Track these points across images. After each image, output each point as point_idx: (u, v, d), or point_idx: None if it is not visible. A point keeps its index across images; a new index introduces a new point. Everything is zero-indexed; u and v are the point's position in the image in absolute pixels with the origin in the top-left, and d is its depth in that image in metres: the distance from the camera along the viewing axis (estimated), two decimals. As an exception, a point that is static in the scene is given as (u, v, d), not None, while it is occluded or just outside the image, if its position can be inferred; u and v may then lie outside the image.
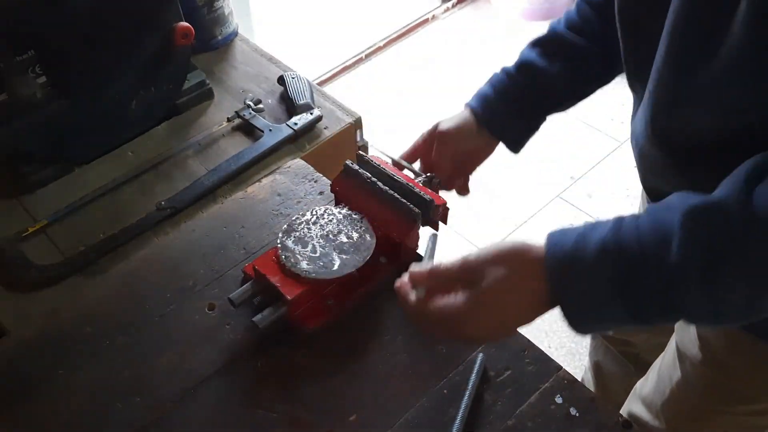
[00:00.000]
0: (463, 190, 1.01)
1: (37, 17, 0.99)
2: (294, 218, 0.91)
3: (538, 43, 0.92)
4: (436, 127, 0.93)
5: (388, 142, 2.35)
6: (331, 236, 0.88)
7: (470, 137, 0.92)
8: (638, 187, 0.87)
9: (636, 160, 0.78)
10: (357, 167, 0.92)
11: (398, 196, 0.88)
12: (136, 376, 0.83)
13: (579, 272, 0.56)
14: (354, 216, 0.91)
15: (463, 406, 0.76)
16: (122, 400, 0.80)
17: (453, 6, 3.02)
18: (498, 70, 0.94)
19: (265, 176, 1.07)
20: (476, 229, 2.12)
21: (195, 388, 0.81)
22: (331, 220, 0.90)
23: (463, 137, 0.92)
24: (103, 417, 0.79)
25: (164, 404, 0.80)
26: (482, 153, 0.96)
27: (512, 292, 0.60)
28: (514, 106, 0.91)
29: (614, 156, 2.33)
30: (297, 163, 1.09)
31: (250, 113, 1.20)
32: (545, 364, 0.82)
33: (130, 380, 0.82)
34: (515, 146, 0.95)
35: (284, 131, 1.16)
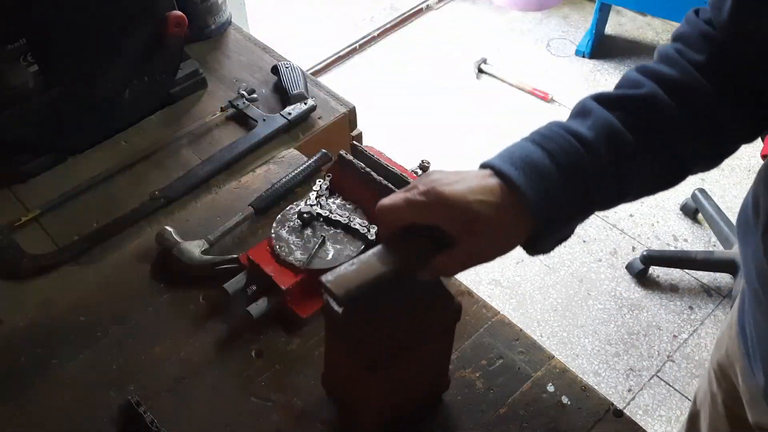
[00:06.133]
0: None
1: (29, 5, 0.98)
2: (288, 208, 0.91)
3: (617, 102, 0.65)
4: (428, 184, 0.60)
5: (382, 132, 2.35)
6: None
7: (498, 218, 0.60)
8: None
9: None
10: (351, 157, 0.92)
11: (392, 187, 0.88)
12: (130, 365, 0.83)
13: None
14: (348, 206, 0.91)
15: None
16: (116, 389, 0.80)
17: (447, -4, 3.02)
18: (553, 127, 0.66)
19: (259, 166, 1.07)
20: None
21: (189, 377, 0.81)
22: (325, 210, 0.90)
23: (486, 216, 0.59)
24: (96, 405, 0.79)
25: (158, 393, 0.80)
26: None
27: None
28: (589, 194, 0.62)
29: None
30: (291, 153, 1.09)
31: (244, 103, 1.20)
32: (537, 353, 0.82)
33: (123, 369, 0.82)
34: (547, 249, 0.64)
35: (278, 121, 1.16)
